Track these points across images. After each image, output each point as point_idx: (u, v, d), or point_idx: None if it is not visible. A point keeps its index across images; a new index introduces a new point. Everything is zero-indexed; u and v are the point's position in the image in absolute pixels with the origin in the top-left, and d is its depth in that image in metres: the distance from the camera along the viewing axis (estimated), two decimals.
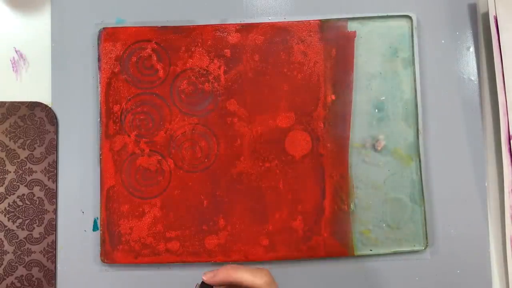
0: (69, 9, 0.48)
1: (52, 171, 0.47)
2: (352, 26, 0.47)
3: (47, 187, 0.47)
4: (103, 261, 0.46)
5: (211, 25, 0.47)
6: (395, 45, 0.47)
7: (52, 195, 0.47)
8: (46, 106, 0.47)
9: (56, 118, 0.47)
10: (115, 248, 0.46)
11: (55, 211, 0.47)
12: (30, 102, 0.47)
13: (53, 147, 0.47)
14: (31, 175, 0.47)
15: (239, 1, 0.48)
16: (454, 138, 0.47)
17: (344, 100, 0.47)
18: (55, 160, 0.47)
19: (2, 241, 0.46)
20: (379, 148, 0.46)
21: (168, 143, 0.46)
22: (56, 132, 0.47)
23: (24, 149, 0.47)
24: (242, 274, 0.36)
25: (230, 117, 0.47)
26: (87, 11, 0.48)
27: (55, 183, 0.47)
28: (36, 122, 0.47)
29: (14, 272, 0.46)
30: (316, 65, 0.47)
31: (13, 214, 0.46)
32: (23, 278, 0.46)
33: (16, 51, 0.48)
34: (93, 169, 0.47)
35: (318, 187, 0.46)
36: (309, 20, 0.47)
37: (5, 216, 0.46)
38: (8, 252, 0.46)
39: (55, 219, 0.47)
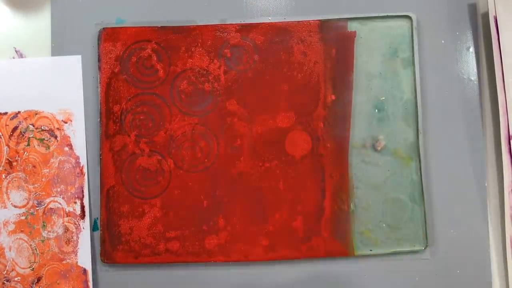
0: (69, 9, 0.48)
1: None
2: (352, 26, 0.47)
3: None
4: (103, 261, 0.46)
5: (211, 25, 0.47)
6: (395, 45, 0.47)
7: None
8: None
9: None
10: (115, 248, 0.46)
11: None
12: None
13: None
14: None
15: (239, 1, 0.48)
16: (454, 138, 0.47)
17: (344, 100, 0.47)
18: None
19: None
20: (379, 148, 0.46)
21: (168, 143, 0.46)
22: None
23: None
24: None
25: (230, 117, 0.47)
26: (87, 11, 0.48)
27: None
28: None
29: None
30: (316, 65, 0.47)
31: None
32: None
33: (16, 51, 0.48)
34: (93, 169, 0.47)
35: (318, 187, 0.46)
36: (309, 20, 0.47)
37: None
38: None
39: None
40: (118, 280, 0.46)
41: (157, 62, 0.47)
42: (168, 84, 0.47)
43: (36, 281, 0.44)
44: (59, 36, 0.48)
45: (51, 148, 0.45)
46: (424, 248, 0.46)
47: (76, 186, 0.45)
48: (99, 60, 0.47)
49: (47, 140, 0.45)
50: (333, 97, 0.47)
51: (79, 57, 0.47)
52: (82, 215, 0.45)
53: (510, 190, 0.46)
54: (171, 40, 0.47)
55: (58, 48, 0.48)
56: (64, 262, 0.45)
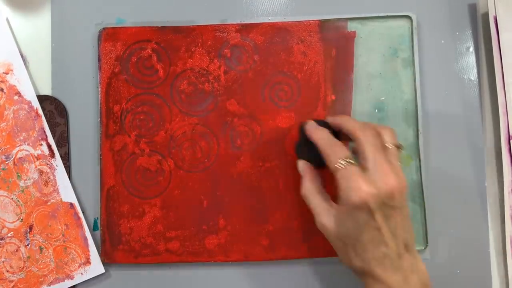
0: (69, 9, 0.48)
1: (65, 163, 0.47)
2: (352, 26, 0.47)
3: None
4: (103, 261, 0.46)
5: (211, 25, 0.47)
6: (395, 45, 0.47)
7: None
8: (55, 99, 0.47)
9: (65, 110, 0.47)
10: (115, 248, 0.46)
11: None
12: (38, 96, 0.47)
13: (64, 140, 0.47)
14: None
15: (239, 1, 0.48)
16: (454, 138, 0.47)
17: (344, 100, 0.47)
18: (67, 152, 0.47)
19: None
20: None
21: (168, 143, 0.46)
22: (67, 123, 0.47)
23: None
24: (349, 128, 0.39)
25: (230, 117, 0.47)
26: (87, 11, 0.48)
27: (68, 175, 0.47)
28: (46, 115, 0.47)
29: None
30: (316, 65, 0.47)
31: None
32: None
33: None
34: (93, 169, 0.47)
35: None
36: (309, 20, 0.47)
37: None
38: None
39: None
40: (118, 280, 0.46)
41: (157, 62, 0.47)
42: (168, 84, 0.47)
43: (28, 230, 0.45)
44: (59, 36, 0.48)
45: (1, 102, 0.45)
46: (424, 248, 0.46)
47: (36, 129, 0.45)
48: (99, 60, 0.47)
49: None
50: (333, 97, 0.47)
51: None
52: (52, 154, 0.45)
53: (510, 190, 0.46)
54: (171, 40, 0.47)
55: (58, 48, 0.48)
56: (49, 203, 0.45)
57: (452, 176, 0.47)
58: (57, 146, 0.46)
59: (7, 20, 0.47)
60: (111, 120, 0.46)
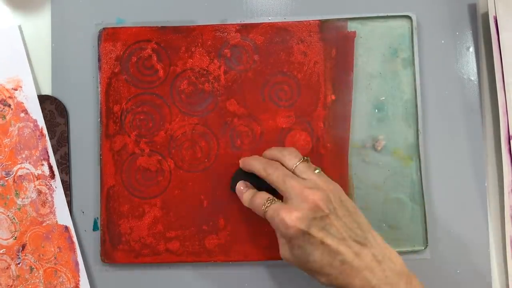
0: (69, 9, 0.48)
1: (65, 163, 0.47)
2: (352, 26, 0.47)
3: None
4: (103, 261, 0.46)
5: (211, 25, 0.47)
6: (395, 45, 0.47)
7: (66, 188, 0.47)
8: (55, 99, 0.47)
9: (66, 110, 0.47)
10: (115, 248, 0.46)
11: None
12: (38, 95, 0.47)
13: (64, 140, 0.47)
14: None
15: (239, 1, 0.48)
16: (454, 138, 0.47)
17: (344, 100, 0.47)
18: (67, 152, 0.47)
19: None
20: (379, 148, 0.46)
21: (168, 143, 0.47)
22: (67, 123, 0.47)
23: None
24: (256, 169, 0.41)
25: (230, 117, 0.47)
26: (87, 11, 0.48)
27: (68, 175, 0.47)
28: (46, 115, 0.47)
29: None
30: (316, 65, 0.47)
31: None
32: None
33: None
34: (93, 169, 0.47)
35: None
36: (309, 20, 0.47)
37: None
38: None
39: None
40: (118, 280, 0.46)
41: (157, 62, 0.47)
42: (168, 84, 0.47)
43: (21, 249, 0.45)
44: (59, 36, 0.48)
45: (7, 117, 0.45)
46: (424, 248, 0.46)
47: (39, 148, 0.45)
48: (99, 60, 0.47)
49: (2, 111, 0.46)
50: (333, 97, 0.47)
51: (15, 26, 0.47)
52: (52, 175, 0.45)
53: (510, 190, 0.46)
54: (171, 40, 0.47)
55: (58, 48, 0.48)
56: (44, 224, 0.45)
57: (452, 176, 0.47)
58: (57, 146, 0.46)
59: (23, 37, 0.47)
60: (111, 120, 0.46)
